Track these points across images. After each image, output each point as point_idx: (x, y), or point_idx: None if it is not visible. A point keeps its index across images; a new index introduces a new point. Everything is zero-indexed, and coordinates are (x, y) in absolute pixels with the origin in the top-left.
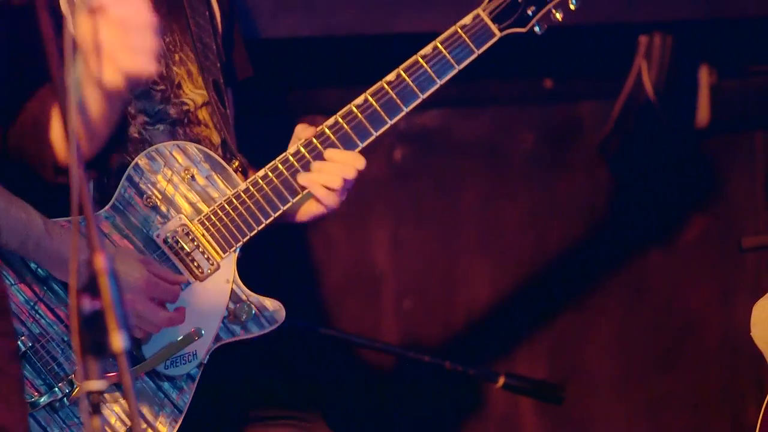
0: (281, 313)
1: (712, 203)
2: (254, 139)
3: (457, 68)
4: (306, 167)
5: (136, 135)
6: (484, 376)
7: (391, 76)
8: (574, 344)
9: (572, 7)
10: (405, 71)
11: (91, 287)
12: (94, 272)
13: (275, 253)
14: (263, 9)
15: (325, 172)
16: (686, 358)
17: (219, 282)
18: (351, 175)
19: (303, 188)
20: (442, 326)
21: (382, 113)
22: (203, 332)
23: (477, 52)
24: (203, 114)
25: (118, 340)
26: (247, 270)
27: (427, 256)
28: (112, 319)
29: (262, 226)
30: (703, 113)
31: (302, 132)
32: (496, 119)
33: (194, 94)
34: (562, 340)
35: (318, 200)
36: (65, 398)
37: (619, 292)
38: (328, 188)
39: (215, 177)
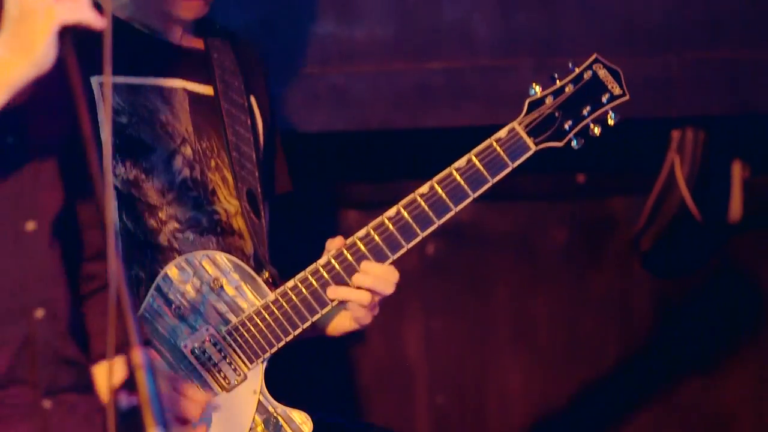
0: (308, 426)
1: (744, 298)
2: (288, 246)
3: (491, 181)
4: (336, 279)
5: (165, 243)
6: None
7: (424, 188)
8: None
9: (611, 122)
10: (438, 183)
11: (129, 383)
12: (131, 367)
13: (308, 347)
14: (297, 103)
15: (360, 285)
16: None
17: (246, 393)
18: (385, 289)
19: (332, 300)
20: (475, 421)
21: (414, 225)
22: None
23: (512, 166)
24: (237, 223)
25: None
26: (276, 372)
27: (460, 350)
28: (149, 415)
29: (290, 337)
30: (736, 208)
31: (333, 242)
32: (529, 214)
33: (228, 202)
34: None
35: (351, 315)
36: None
37: (650, 389)
38: (361, 304)
39: (244, 287)
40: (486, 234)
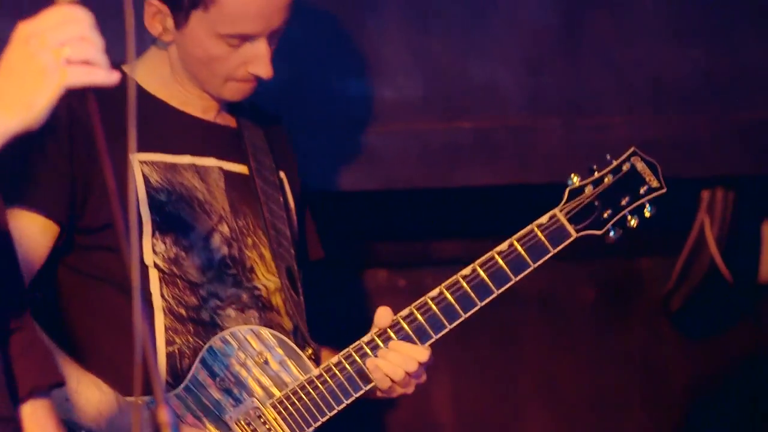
0: None
1: None
2: (317, 305)
3: (533, 266)
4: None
5: (207, 319)
6: None
7: (467, 271)
8: None
9: (647, 214)
10: (481, 266)
11: None
12: (157, 426)
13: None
14: (325, 162)
15: (388, 361)
16: None
17: None
18: (412, 368)
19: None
20: None
21: (457, 306)
22: None
23: (553, 251)
24: (276, 300)
25: None
26: None
27: (487, 407)
28: None
29: (335, 412)
30: (766, 268)
31: (381, 317)
32: (557, 272)
33: (267, 279)
34: None
35: (380, 388)
36: None
37: None
38: (390, 378)
39: (288, 362)
40: (513, 292)
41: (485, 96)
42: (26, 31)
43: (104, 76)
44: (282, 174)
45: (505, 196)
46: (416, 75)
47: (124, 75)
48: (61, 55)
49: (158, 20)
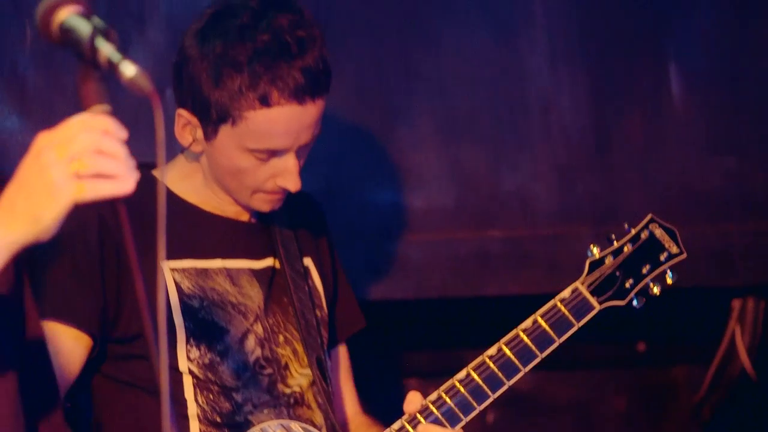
0: None
1: None
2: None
3: (558, 341)
4: None
5: (242, 420)
6: None
7: (492, 350)
8: None
9: (669, 281)
10: (506, 345)
11: None
12: None
13: None
14: (356, 271)
15: None
16: None
17: None
18: None
19: None
20: None
21: (485, 387)
22: None
23: (577, 325)
24: (308, 395)
25: None
26: None
27: None
28: None
29: None
30: None
31: (410, 403)
32: (589, 382)
33: (300, 375)
34: None
35: None
36: None
37: None
38: None
39: None
40: (545, 403)
41: (516, 204)
42: (41, 143)
43: (117, 188)
44: (308, 260)
45: (537, 305)
46: (447, 184)
47: (154, 181)
48: (71, 169)
49: (188, 131)
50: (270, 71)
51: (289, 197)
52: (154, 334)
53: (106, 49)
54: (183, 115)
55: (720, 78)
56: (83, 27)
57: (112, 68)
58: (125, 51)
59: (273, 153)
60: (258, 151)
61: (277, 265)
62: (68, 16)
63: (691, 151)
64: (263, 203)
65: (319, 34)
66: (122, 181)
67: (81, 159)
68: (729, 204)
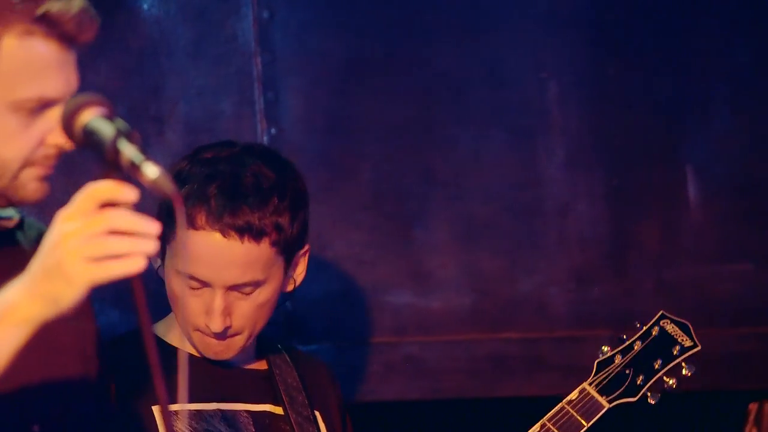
0: None
1: None
2: None
3: None
4: None
5: None
6: None
7: None
8: None
9: (687, 372)
10: None
11: None
12: None
13: None
14: (371, 372)
15: None
16: None
17: None
18: None
19: None
20: None
21: None
22: None
23: (587, 426)
24: None
25: None
26: None
27: None
28: None
29: None
30: None
31: None
32: None
33: None
34: None
35: None
36: None
37: None
38: None
39: None
40: None
41: (532, 308)
42: (59, 227)
43: (128, 267)
44: (317, 413)
45: (552, 407)
46: (463, 286)
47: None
48: (85, 254)
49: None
50: (209, 197)
51: (298, 358)
52: None
53: (128, 151)
54: None
55: (736, 183)
56: (106, 129)
57: (134, 170)
58: (146, 153)
59: (203, 284)
60: (188, 278)
61: (279, 412)
62: (92, 118)
63: (707, 256)
64: (201, 345)
65: (293, 194)
66: (133, 259)
67: (93, 244)
68: (745, 309)
